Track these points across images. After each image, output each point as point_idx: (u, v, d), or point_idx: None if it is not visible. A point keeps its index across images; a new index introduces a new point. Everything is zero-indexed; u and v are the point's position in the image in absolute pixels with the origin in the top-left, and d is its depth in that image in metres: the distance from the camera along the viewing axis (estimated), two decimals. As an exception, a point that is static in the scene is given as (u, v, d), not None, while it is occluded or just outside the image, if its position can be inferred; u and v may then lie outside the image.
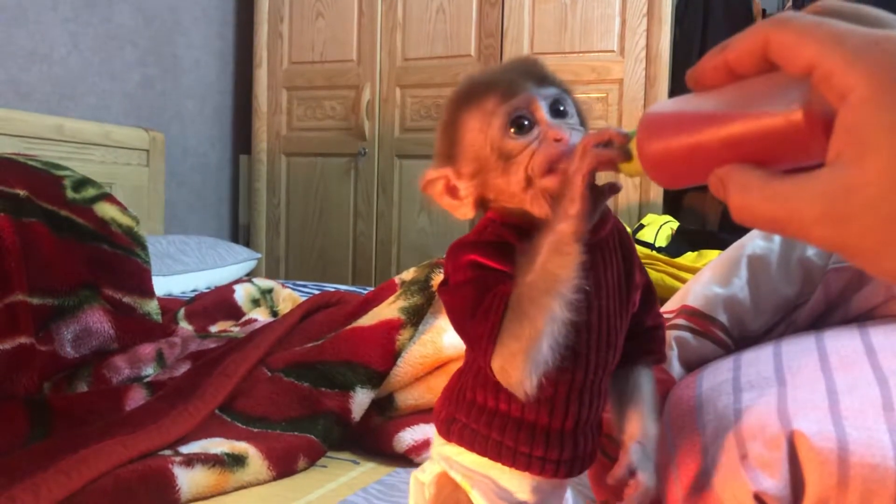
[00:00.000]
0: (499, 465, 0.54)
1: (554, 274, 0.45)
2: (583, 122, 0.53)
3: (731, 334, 0.76)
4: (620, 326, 0.55)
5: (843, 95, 0.27)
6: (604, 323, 0.53)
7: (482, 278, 0.49)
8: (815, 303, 0.75)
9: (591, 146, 0.44)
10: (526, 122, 0.50)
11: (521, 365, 0.46)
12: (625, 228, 0.58)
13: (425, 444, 1.02)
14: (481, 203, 0.53)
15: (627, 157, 0.43)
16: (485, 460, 0.54)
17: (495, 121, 0.50)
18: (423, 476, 0.58)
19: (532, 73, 0.52)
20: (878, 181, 0.26)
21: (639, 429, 0.55)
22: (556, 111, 0.51)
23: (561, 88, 0.52)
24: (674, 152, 0.35)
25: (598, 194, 0.46)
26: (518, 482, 0.54)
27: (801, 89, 0.30)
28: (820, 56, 0.28)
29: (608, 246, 0.53)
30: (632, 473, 0.52)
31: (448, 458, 0.56)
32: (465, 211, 0.53)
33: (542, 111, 0.50)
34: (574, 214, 0.45)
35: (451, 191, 0.53)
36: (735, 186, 0.31)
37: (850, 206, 0.27)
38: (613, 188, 0.47)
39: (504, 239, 0.51)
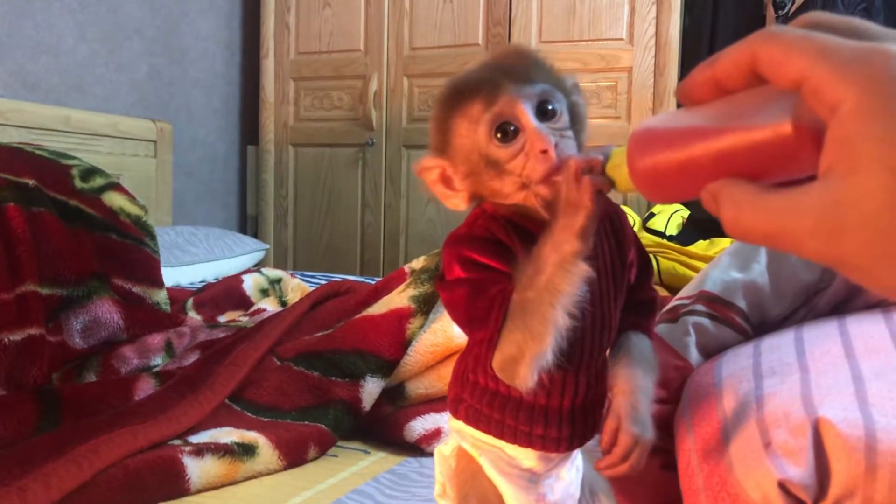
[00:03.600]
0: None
1: (559, 289, 0.46)
2: (576, 115, 0.52)
3: (749, 320, 0.74)
4: (614, 307, 0.55)
5: (833, 108, 0.27)
6: (597, 308, 0.53)
7: (477, 279, 0.50)
8: (836, 288, 0.73)
9: (581, 173, 0.44)
10: (511, 129, 0.49)
11: (525, 370, 0.48)
12: (618, 209, 0.57)
13: (436, 434, 1.01)
14: (475, 197, 0.53)
15: (610, 184, 0.44)
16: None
17: (480, 128, 0.49)
18: (445, 449, 0.60)
19: (515, 71, 0.50)
20: (870, 195, 0.26)
21: (626, 383, 0.54)
22: (544, 111, 0.49)
23: (548, 83, 0.50)
24: (664, 168, 0.35)
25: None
26: (524, 452, 0.56)
27: (790, 102, 0.30)
28: (808, 69, 0.27)
29: (598, 232, 0.53)
30: (618, 430, 0.52)
31: (460, 430, 0.58)
32: (457, 203, 0.54)
33: (527, 115, 0.49)
34: (579, 237, 0.45)
35: (446, 181, 0.53)
36: (727, 201, 0.31)
37: (842, 221, 0.26)
38: (602, 195, 0.46)
39: (494, 235, 0.51)
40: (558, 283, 0.46)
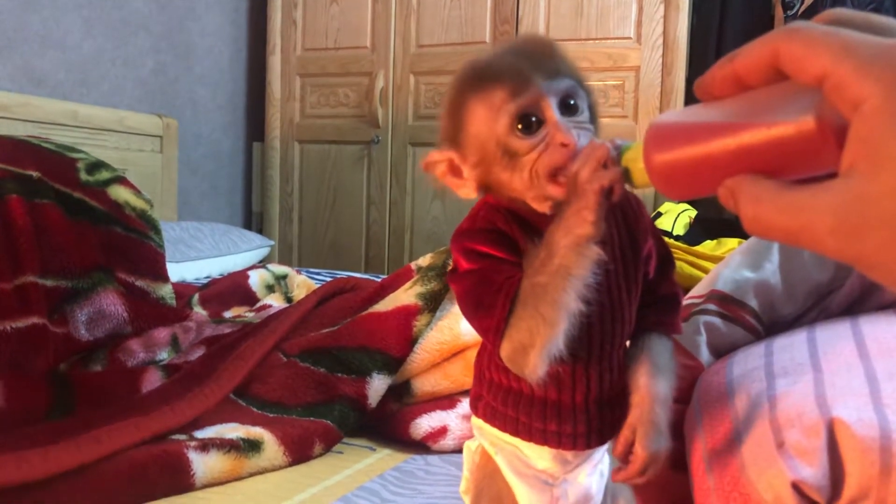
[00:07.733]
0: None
1: (572, 273, 0.46)
2: (593, 114, 0.52)
3: (761, 320, 0.74)
4: (628, 299, 0.54)
5: (856, 105, 0.27)
6: (606, 299, 0.52)
7: (483, 269, 0.50)
8: (849, 288, 0.73)
9: (603, 161, 0.44)
10: (534, 121, 0.49)
11: (535, 358, 0.47)
12: (634, 198, 0.57)
13: (442, 431, 1.00)
14: (484, 187, 0.53)
15: (624, 177, 0.44)
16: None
17: (502, 118, 0.49)
18: (472, 444, 0.60)
19: (543, 63, 0.50)
20: (892, 193, 0.26)
21: (645, 393, 0.53)
22: (567, 106, 0.50)
23: (573, 79, 0.51)
24: (682, 164, 0.34)
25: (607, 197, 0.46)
26: (538, 452, 0.55)
27: (812, 99, 0.29)
28: (831, 66, 0.27)
29: (609, 221, 0.53)
30: (633, 443, 0.52)
31: (480, 427, 0.58)
32: (468, 191, 0.54)
33: (552, 109, 0.49)
34: (592, 221, 0.45)
35: (455, 171, 0.53)
36: (746, 197, 0.31)
37: (864, 219, 0.26)
38: (617, 188, 0.46)
39: (496, 226, 0.51)
40: (571, 266, 0.46)
